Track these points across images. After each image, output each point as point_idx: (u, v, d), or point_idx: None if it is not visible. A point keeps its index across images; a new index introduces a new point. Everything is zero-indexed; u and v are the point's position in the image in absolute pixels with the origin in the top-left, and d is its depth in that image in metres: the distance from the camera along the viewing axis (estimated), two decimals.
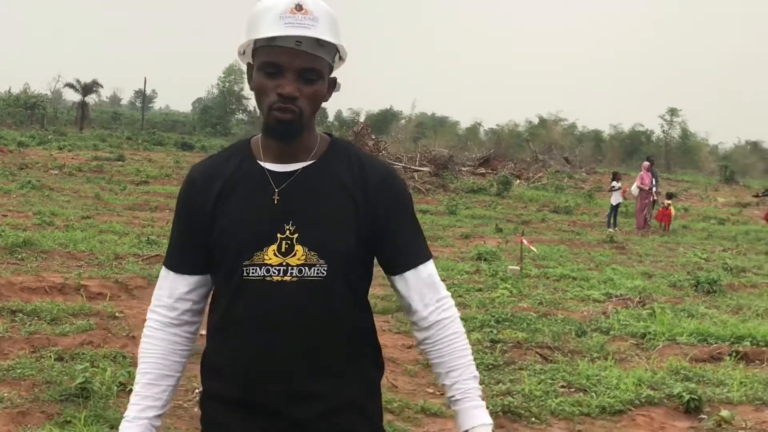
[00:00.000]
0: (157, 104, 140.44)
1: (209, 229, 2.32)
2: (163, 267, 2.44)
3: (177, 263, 2.40)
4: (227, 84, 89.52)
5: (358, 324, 2.40)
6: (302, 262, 2.26)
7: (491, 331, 8.99)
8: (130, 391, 6.24)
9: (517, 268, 13.34)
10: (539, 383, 7.24)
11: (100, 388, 6.17)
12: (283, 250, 2.26)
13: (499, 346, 8.40)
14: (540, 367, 7.83)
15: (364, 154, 2.45)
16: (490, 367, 7.77)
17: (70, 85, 76.08)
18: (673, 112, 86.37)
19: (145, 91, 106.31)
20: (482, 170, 42.90)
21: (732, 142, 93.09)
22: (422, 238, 2.45)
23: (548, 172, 46.77)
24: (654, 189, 24.05)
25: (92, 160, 34.83)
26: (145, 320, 7.66)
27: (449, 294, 2.44)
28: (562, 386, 7.30)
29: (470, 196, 31.38)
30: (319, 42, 2.24)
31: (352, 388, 2.36)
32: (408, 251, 2.39)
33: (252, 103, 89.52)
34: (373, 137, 43.69)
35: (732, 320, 10.34)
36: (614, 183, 24.49)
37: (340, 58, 2.37)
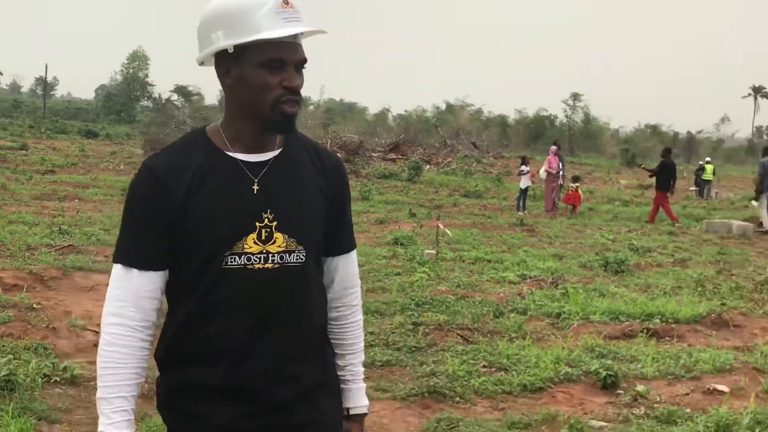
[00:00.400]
0: (59, 91, 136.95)
1: (178, 223, 2.29)
2: (120, 266, 2.32)
3: (140, 259, 2.31)
4: (131, 70, 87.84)
5: (325, 304, 2.50)
6: (283, 249, 2.31)
7: (412, 314, 9.14)
8: (55, 382, 6.23)
9: (434, 252, 13.53)
10: (462, 364, 7.40)
11: (25, 380, 6.08)
12: (263, 238, 2.30)
13: (421, 328, 8.55)
14: (462, 348, 8.00)
15: (315, 142, 2.55)
16: (413, 349, 7.90)
17: None
18: (575, 97, 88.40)
19: (46, 78, 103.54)
20: (393, 156, 43.18)
21: (632, 126, 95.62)
22: (353, 227, 2.63)
23: (457, 157, 47.36)
24: (561, 173, 24.62)
25: None
26: (65, 311, 7.50)
27: (359, 283, 2.64)
28: (484, 366, 7.47)
29: (382, 182, 31.61)
30: (302, 33, 2.31)
31: (321, 368, 2.45)
32: (346, 237, 2.56)
33: (157, 89, 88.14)
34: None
35: (641, 298, 10.71)
36: (523, 167, 24.95)
37: None
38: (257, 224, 2.30)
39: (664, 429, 6.08)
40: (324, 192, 2.43)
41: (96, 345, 7.19)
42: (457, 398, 6.62)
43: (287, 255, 2.32)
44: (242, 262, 2.29)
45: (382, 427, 6.03)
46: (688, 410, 6.45)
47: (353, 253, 2.58)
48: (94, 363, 7.01)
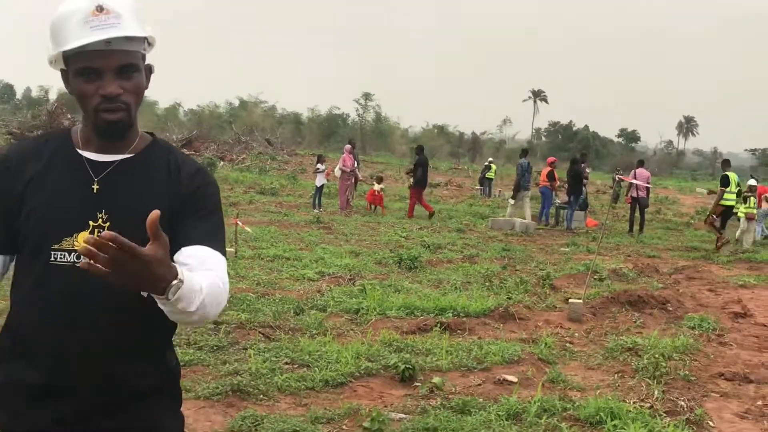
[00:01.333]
0: None
1: (17, 210, 2.31)
2: None
3: None
4: None
5: (162, 312, 2.44)
6: None
7: None
8: None
9: (232, 249, 13.48)
10: (264, 362, 7.46)
11: None
12: None
13: (222, 327, 8.53)
14: (264, 345, 8.06)
15: (182, 154, 2.54)
16: (216, 348, 7.88)
17: None
18: (367, 96, 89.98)
19: None
20: (185, 152, 42.37)
21: (421, 126, 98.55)
22: (221, 237, 2.46)
23: (251, 154, 47.17)
24: (356, 171, 25.09)
25: None
26: None
27: (227, 281, 2.36)
28: (287, 363, 7.56)
29: None
30: (127, 37, 2.28)
31: (156, 374, 2.44)
32: (208, 237, 2.39)
33: None
34: (69, 117, 41.83)
35: (434, 294, 11.15)
36: (319, 165, 25.24)
37: (149, 44, 2.42)
38: (90, 223, 2.31)
39: (460, 419, 6.39)
40: (171, 198, 2.39)
41: None
42: (261, 396, 6.68)
43: None
44: (71, 260, 2.29)
45: (187, 426, 5.98)
46: (481, 400, 6.81)
47: (209, 251, 2.35)
48: None
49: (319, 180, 24.74)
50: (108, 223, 2.32)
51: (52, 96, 77.80)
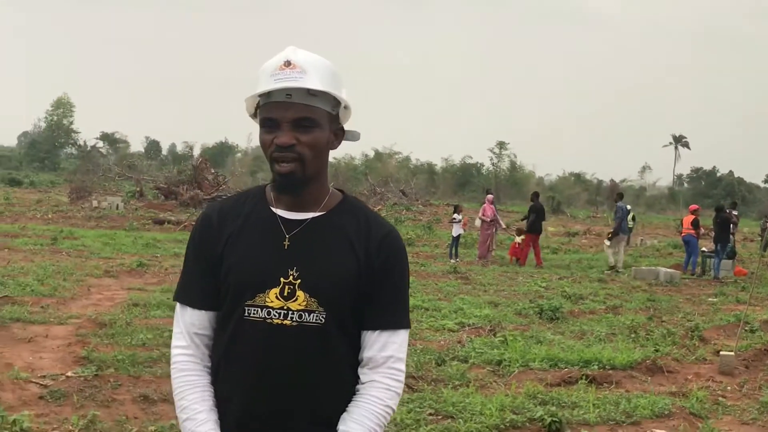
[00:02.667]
0: None
1: (217, 267, 2.42)
2: (178, 304, 2.49)
3: (194, 299, 2.46)
4: (55, 117, 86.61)
5: (340, 372, 2.45)
6: (303, 307, 2.36)
7: None
8: None
9: None
10: (409, 412, 7.47)
11: None
12: (285, 294, 2.36)
13: None
14: (407, 396, 8.07)
15: (372, 212, 2.56)
16: None
17: None
18: (501, 145, 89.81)
19: None
20: None
21: (557, 174, 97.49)
22: (405, 305, 2.52)
23: (387, 205, 47.72)
24: (498, 220, 24.95)
25: None
26: (6, 364, 7.51)
27: (403, 370, 2.48)
28: (431, 414, 7.56)
29: None
30: (309, 92, 2.35)
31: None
32: (384, 313, 2.45)
33: (82, 136, 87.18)
34: (212, 171, 43.38)
35: (578, 345, 10.95)
36: (455, 215, 25.27)
37: (345, 107, 2.46)
38: (282, 279, 2.37)
39: None
40: (360, 260, 2.42)
41: (41, 397, 7.11)
42: None
43: (306, 314, 2.36)
44: (263, 315, 2.36)
45: None
46: None
47: (391, 333, 2.45)
48: (40, 416, 6.96)
49: (456, 230, 24.73)
50: (299, 280, 2.37)
51: (196, 152, 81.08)
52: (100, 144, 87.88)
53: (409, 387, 8.42)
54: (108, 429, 6.57)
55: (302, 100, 2.35)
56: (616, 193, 30.38)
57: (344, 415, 2.42)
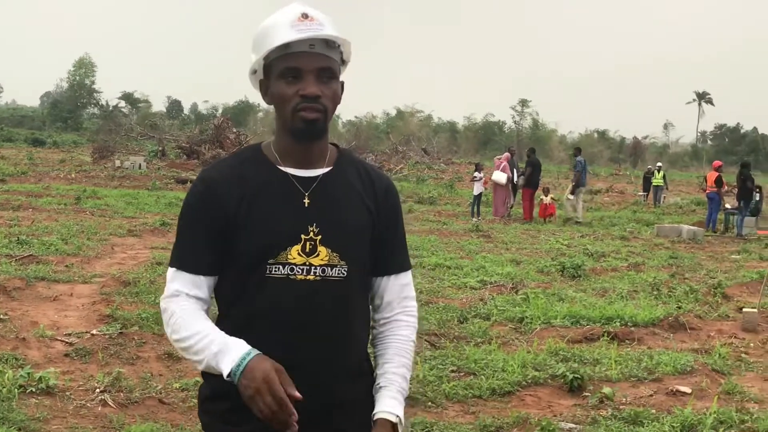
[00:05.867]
0: (3, 99, 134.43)
1: (231, 231, 2.39)
2: (172, 269, 2.45)
3: (191, 264, 2.43)
4: (78, 78, 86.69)
5: (366, 322, 2.55)
6: (325, 262, 2.39)
7: None
8: (31, 393, 6.24)
9: None
10: (431, 369, 7.51)
11: (1, 390, 6.08)
12: (307, 250, 2.38)
13: None
14: (430, 353, 8.12)
15: (367, 163, 2.63)
16: None
17: None
18: (524, 103, 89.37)
19: None
20: None
21: (579, 132, 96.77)
22: (406, 248, 2.65)
23: (409, 164, 47.62)
24: (515, 178, 24.87)
25: None
26: (31, 322, 7.50)
27: (416, 304, 2.63)
28: (453, 371, 7.60)
29: None
30: (328, 44, 2.38)
31: (359, 384, 2.50)
32: (395, 258, 2.58)
33: (104, 96, 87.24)
34: (234, 130, 43.38)
35: (600, 302, 10.93)
36: (476, 174, 25.19)
37: (344, 61, 2.49)
38: (302, 236, 2.38)
39: (632, 430, 6.26)
40: (371, 211, 2.49)
41: (67, 355, 7.18)
42: (429, 403, 6.74)
43: (329, 269, 2.39)
44: (285, 272, 2.37)
45: None
46: (654, 411, 6.64)
47: (403, 274, 2.59)
48: (66, 373, 7.01)
49: (477, 188, 24.66)
50: (319, 236, 2.40)
51: (219, 111, 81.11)
52: (122, 104, 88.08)
53: (431, 344, 8.47)
54: (133, 386, 6.65)
55: (324, 51, 2.38)
56: (574, 147, 31.68)
57: (380, 357, 2.54)
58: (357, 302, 2.49)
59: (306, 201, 2.42)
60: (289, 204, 2.41)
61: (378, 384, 2.49)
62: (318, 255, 2.39)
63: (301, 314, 2.38)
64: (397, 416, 2.43)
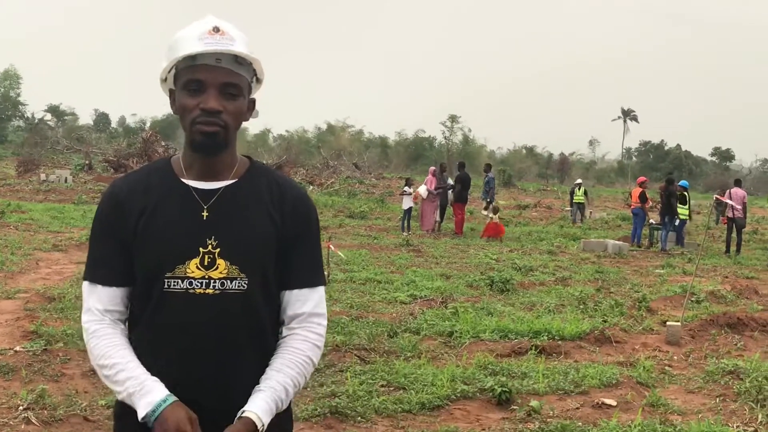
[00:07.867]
0: None
1: (131, 243, 2.39)
2: (86, 282, 2.46)
3: (103, 276, 2.43)
4: (2, 89, 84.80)
5: (269, 335, 2.52)
6: (224, 275, 2.38)
7: None
8: None
9: (325, 273, 13.59)
10: (361, 384, 7.52)
11: None
12: (205, 263, 2.37)
13: None
14: (360, 368, 8.12)
15: (281, 175, 2.60)
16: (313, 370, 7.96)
17: None
18: (453, 119, 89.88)
19: None
20: None
21: (508, 148, 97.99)
22: (321, 263, 2.61)
23: (340, 178, 47.67)
24: (438, 193, 25.01)
25: None
26: None
27: (324, 325, 2.56)
28: (383, 385, 7.61)
29: None
30: (237, 60, 2.38)
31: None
32: (303, 272, 2.53)
33: (30, 108, 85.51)
34: (163, 144, 42.92)
35: (527, 316, 11.07)
36: (406, 188, 25.33)
37: (257, 80, 2.50)
38: (201, 249, 2.38)
39: None
40: (276, 223, 2.47)
41: None
42: (359, 417, 6.73)
43: (229, 282, 2.39)
44: (184, 287, 2.36)
45: None
46: (580, 424, 6.74)
47: (310, 290, 2.53)
48: None
49: (406, 203, 24.80)
50: (218, 249, 2.39)
51: (147, 125, 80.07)
52: (48, 116, 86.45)
53: (361, 359, 8.47)
54: (57, 403, 6.52)
55: (230, 66, 2.37)
56: (485, 164, 33.05)
57: (268, 368, 2.46)
58: (260, 315, 2.46)
59: (204, 214, 2.41)
60: (186, 217, 2.41)
61: (258, 387, 2.42)
62: (217, 268, 2.38)
63: (201, 328, 2.37)
64: (263, 424, 2.36)
